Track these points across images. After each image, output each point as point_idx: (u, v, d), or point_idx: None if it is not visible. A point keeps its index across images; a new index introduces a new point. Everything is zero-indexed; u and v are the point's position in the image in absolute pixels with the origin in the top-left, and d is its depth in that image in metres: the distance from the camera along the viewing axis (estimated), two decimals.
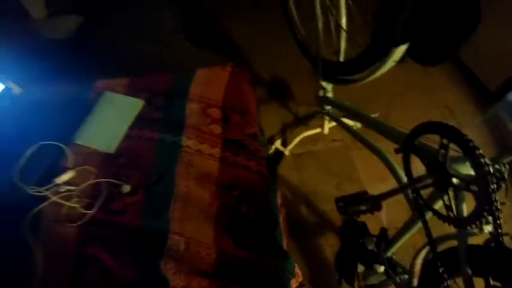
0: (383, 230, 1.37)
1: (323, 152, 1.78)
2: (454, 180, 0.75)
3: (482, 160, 0.65)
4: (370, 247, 1.37)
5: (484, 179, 0.65)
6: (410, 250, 1.34)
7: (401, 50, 1.03)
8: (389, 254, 1.20)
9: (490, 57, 1.94)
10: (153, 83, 1.23)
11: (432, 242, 0.86)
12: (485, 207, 0.67)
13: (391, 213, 1.53)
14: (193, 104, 1.17)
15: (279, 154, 1.74)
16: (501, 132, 1.88)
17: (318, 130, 1.76)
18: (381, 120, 1.15)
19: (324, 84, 1.51)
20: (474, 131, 1.88)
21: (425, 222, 0.89)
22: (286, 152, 1.73)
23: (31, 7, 2.16)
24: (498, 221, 0.68)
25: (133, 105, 1.16)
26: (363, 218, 1.49)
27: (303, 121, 1.84)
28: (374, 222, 1.49)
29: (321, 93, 1.56)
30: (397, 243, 1.12)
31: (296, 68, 1.97)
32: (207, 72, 1.26)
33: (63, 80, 1.44)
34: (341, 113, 1.57)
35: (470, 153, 0.66)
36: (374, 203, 1.07)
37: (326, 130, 1.75)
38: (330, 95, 1.56)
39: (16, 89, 1.21)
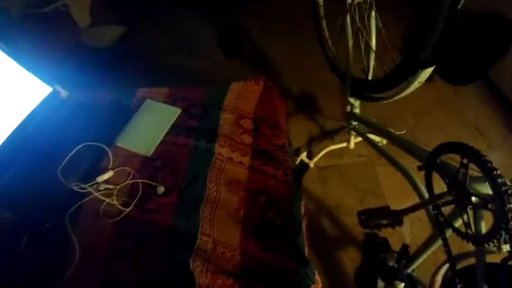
0: (404, 246, 1.37)
1: (348, 166, 1.81)
2: (473, 198, 0.78)
3: (499, 180, 0.68)
4: (391, 263, 1.38)
5: (501, 198, 0.68)
6: (432, 268, 1.33)
7: (427, 72, 1.06)
8: (409, 270, 1.21)
9: None
10: (190, 93, 1.31)
11: (451, 259, 0.87)
12: (502, 226, 0.69)
13: (414, 231, 1.54)
14: (227, 115, 1.23)
15: (304, 166, 1.77)
16: None
17: (344, 144, 1.80)
18: (405, 137, 1.18)
19: (351, 100, 1.55)
20: (503, 152, 1.88)
21: (445, 239, 0.91)
22: (311, 165, 1.77)
23: (76, 16, 2.30)
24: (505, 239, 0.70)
25: (171, 113, 1.23)
26: (385, 234, 1.51)
27: (329, 135, 1.88)
28: (396, 239, 1.51)
29: (348, 108, 1.60)
30: (418, 260, 1.13)
31: (324, 83, 2.03)
32: (241, 86, 1.33)
33: (103, 86, 1.55)
34: (367, 128, 1.60)
35: (488, 173, 0.70)
36: (396, 217, 1.09)
37: (352, 145, 1.78)
38: (357, 111, 1.60)
39: (63, 92, 1.28)
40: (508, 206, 0.67)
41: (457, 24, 1.98)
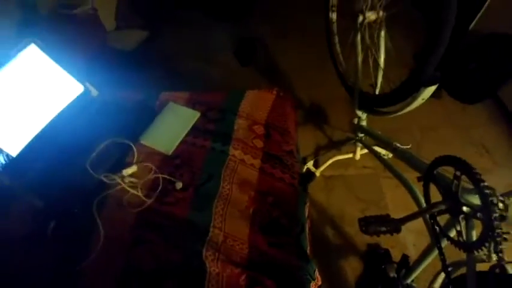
0: (404, 257, 1.41)
1: (353, 177, 1.85)
2: (465, 208, 0.84)
3: (487, 191, 0.75)
4: (392, 274, 1.38)
5: (488, 208, 0.75)
6: (431, 279, 1.38)
7: (430, 90, 1.12)
8: (409, 281, 1.24)
9: None
10: (209, 98, 1.40)
11: (445, 267, 0.92)
12: (489, 234, 0.76)
13: (417, 244, 1.57)
14: (241, 120, 1.32)
15: (310, 174, 1.82)
16: None
17: (350, 155, 1.85)
18: (406, 150, 1.25)
19: (359, 113, 1.62)
20: (510, 171, 1.89)
21: (440, 248, 0.96)
22: (317, 173, 1.82)
23: (103, 19, 2.34)
24: (499, 247, 0.77)
25: (191, 116, 1.33)
26: (387, 245, 1.55)
27: (336, 145, 1.94)
28: (398, 250, 1.53)
29: (356, 121, 1.67)
30: (417, 270, 1.17)
31: (334, 95, 2.08)
32: (256, 94, 1.42)
33: (128, 86, 1.60)
34: (373, 141, 1.65)
35: (477, 184, 0.76)
36: (394, 225, 1.15)
37: (358, 156, 1.84)
38: (364, 123, 1.66)
39: (93, 92, 1.37)
40: (494, 215, 0.74)
41: (468, 44, 2.04)
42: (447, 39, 1.02)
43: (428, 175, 0.97)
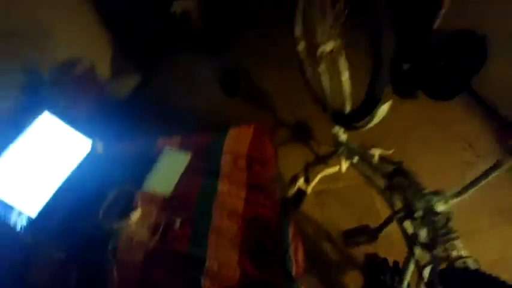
0: (395, 263, 1.47)
1: (343, 189, 1.91)
2: (416, 213, 0.97)
3: (427, 197, 0.88)
4: (390, 283, 1.45)
5: (429, 212, 0.88)
6: None
7: (384, 108, 1.24)
8: (405, 286, 1.26)
9: (504, 86, 2.02)
10: (197, 140, 1.57)
11: (419, 267, 1.02)
12: (435, 235, 0.89)
13: None
14: (226, 156, 1.48)
15: (301, 193, 1.89)
16: None
17: (337, 169, 1.90)
18: (379, 162, 1.36)
19: (336, 129, 1.74)
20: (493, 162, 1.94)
21: (410, 249, 1.08)
22: (309, 190, 1.89)
23: (99, 69, 2.48)
24: (446, 245, 0.89)
25: (184, 159, 1.49)
26: (385, 254, 1.55)
27: (322, 160, 2.00)
28: (394, 257, 1.50)
29: (335, 135, 1.77)
30: (406, 274, 1.20)
31: (317, 112, 2.05)
32: (237, 131, 1.58)
33: (127, 136, 1.76)
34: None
35: (417, 192, 0.90)
36: (371, 234, 1.26)
37: (343, 168, 1.89)
38: (343, 136, 1.76)
39: (100, 147, 1.55)
40: (434, 218, 0.87)
41: (436, 43, 2.14)
42: (385, 64, 1.13)
43: (389, 185, 1.10)
